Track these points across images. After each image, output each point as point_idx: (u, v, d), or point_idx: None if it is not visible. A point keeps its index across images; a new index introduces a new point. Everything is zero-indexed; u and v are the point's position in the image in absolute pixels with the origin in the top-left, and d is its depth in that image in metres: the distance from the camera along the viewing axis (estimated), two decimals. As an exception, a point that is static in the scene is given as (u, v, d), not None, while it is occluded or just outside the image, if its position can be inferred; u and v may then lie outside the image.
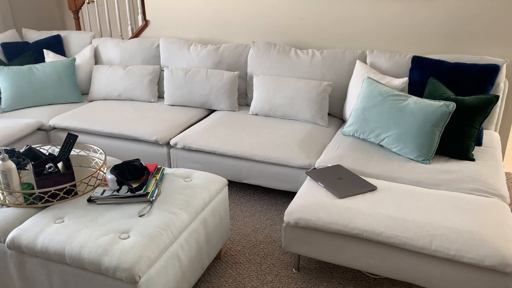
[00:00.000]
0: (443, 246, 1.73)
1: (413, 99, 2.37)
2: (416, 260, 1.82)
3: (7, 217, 1.85)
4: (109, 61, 3.68)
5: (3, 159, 1.84)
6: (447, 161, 2.34)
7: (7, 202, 1.92)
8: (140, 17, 3.93)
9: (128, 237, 1.68)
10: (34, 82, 3.34)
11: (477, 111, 2.31)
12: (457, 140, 2.34)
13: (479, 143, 2.51)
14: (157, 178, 2.05)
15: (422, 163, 2.32)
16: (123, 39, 3.86)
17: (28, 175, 2.15)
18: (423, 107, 2.31)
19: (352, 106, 2.83)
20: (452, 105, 2.26)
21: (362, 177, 2.24)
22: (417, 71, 2.72)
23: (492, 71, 2.57)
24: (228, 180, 2.99)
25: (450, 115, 2.28)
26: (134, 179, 2.05)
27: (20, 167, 1.97)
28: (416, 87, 2.71)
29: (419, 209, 1.90)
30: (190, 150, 2.81)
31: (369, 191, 2.06)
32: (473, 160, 2.35)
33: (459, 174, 2.20)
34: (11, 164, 1.86)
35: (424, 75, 2.69)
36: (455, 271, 1.76)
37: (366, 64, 2.94)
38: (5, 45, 3.63)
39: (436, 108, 2.28)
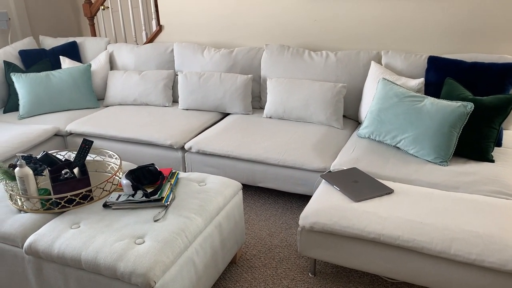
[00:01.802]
0: (463, 250, 1.69)
1: (429, 100, 2.33)
2: (434, 265, 1.78)
3: (25, 222, 1.87)
4: (124, 66, 3.71)
5: (20, 165, 1.86)
6: (466, 163, 2.29)
7: (24, 207, 1.94)
8: (154, 22, 3.96)
9: (143, 242, 1.68)
10: (51, 89, 3.39)
11: (496, 111, 2.26)
12: (475, 141, 2.29)
13: (498, 144, 2.45)
14: (172, 182, 2.06)
15: (440, 165, 2.28)
16: (137, 44, 3.89)
17: (45, 180, 2.17)
18: (440, 108, 2.27)
19: (367, 107, 2.80)
20: (470, 106, 2.22)
21: (379, 180, 2.21)
22: (433, 71, 2.68)
23: (511, 70, 2.50)
24: (243, 184, 2.98)
25: (468, 115, 2.23)
26: (149, 184, 2.06)
27: (37, 173, 1.99)
28: (432, 88, 2.66)
29: (438, 212, 1.86)
30: (204, 154, 2.82)
31: (386, 194, 2.03)
32: (492, 161, 2.29)
33: (478, 176, 2.15)
34: (28, 170, 1.88)
35: (441, 75, 2.64)
36: (475, 276, 1.72)
37: (381, 65, 2.91)
38: (23, 53, 3.70)
39: (453, 108, 2.24)
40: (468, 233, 1.73)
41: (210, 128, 3.02)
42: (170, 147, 2.92)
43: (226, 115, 3.36)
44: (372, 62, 2.88)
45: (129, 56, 3.68)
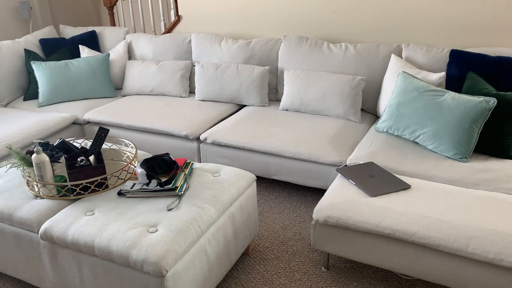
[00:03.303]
0: (480, 249, 1.65)
1: (450, 94, 2.27)
2: (451, 262, 1.74)
3: (41, 208, 1.89)
4: (142, 56, 3.72)
5: (37, 152, 1.88)
6: (487, 160, 2.23)
7: (41, 194, 1.96)
8: (172, 12, 3.96)
9: (156, 230, 1.68)
10: (70, 77, 3.42)
11: (520, 107, 2.19)
12: (497, 138, 2.23)
13: (521, 141, 2.38)
14: (186, 172, 2.05)
15: (460, 161, 2.22)
16: (156, 34, 3.90)
17: (61, 168, 2.20)
18: (461, 103, 2.21)
19: (386, 101, 2.75)
20: (492, 101, 2.15)
21: (396, 175, 2.17)
22: (455, 65, 2.61)
23: (537, 65, 2.43)
24: (258, 176, 2.97)
25: (491, 111, 2.17)
26: (163, 173, 2.06)
27: (54, 160, 2.01)
28: (454, 82, 2.59)
29: (456, 209, 1.82)
30: (219, 145, 2.81)
31: (403, 189, 1.99)
32: (514, 159, 2.23)
33: (499, 173, 2.09)
34: (45, 157, 1.90)
35: (463, 69, 2.57)
36: (493, 275, 1.68)
37: (402, 58, 2.85)
38: (43, 41, 3.74)
39: (475, 104, 2.18)
40: (487, 231, 1.68)
41: (225, 120, 3.01)
42: (185, 138, 2.93)
43: (242, 106, 3.34)
44: (392, 55, 2.82)
45: (147, 46, 3.69)
